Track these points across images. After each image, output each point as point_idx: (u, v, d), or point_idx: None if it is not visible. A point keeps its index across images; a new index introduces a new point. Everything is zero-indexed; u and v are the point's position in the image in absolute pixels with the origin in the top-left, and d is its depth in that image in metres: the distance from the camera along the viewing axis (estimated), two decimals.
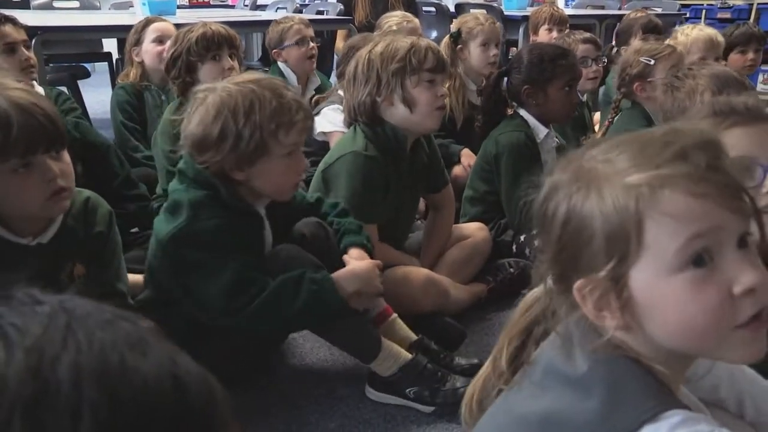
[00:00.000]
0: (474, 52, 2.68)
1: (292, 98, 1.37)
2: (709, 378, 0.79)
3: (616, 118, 2.37)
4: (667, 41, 2.67)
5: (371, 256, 1.55)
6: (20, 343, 0.35)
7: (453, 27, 2.88)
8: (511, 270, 2.00)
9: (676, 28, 2.94)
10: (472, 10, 4.30)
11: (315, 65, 2.94)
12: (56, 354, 0.35)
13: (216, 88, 1.36)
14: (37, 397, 0.34)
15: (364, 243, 1.57)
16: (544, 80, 2.08)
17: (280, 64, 2.85)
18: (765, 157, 1.03)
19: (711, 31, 2.68)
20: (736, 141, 1.04)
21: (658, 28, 3.16)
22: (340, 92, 2.41)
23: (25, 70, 2.03)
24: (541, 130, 2.12)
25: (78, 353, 0.35)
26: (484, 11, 2.91)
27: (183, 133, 1.37)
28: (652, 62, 2.25)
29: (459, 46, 2.74)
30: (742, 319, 0.61)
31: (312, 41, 2.86)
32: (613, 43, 3.35)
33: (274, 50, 2.85)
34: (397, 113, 1.75)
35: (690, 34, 2.64)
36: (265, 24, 3.86)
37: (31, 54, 2.11)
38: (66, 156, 1.25)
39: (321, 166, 1.81)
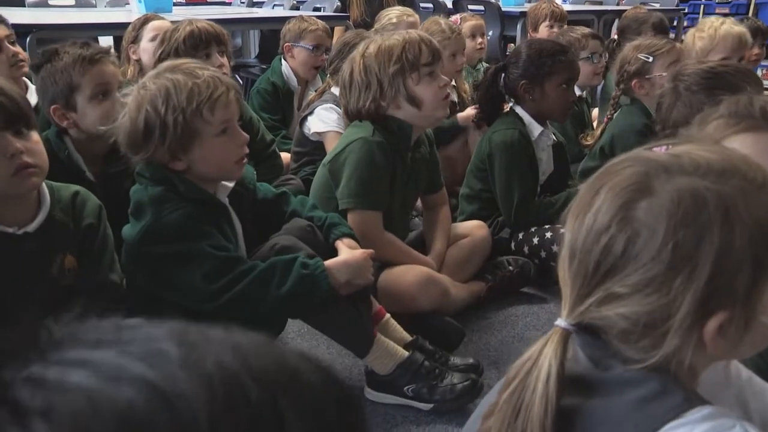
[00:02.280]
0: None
1: (209, 76, 1.37)
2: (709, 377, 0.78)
3: (615, 115, 2.36)
4: (692, 31, 2.59)
5: (360, 246, 1.56)
6: (170, 362, 0.30)
7: None
8: (510, 268, 2.00)
9: (686, 23, 2.88)
10: (469, 7, 4.29)
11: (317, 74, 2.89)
12: (219, 362, 0.30)
13: (134, 87, 1.39)
14: (228, 405, 0.29)
15: (353, 233, 1.58)
16: (541, 76, 2.06)
17: (283, 63, 2.81)
18: None
19: (740, 30, 2.53)
20: (745, 147, 1.01)
21: (666, 29, 3.12)
22: (334, 90, 2.39)
23: (15, 66, 2.01)
24: (535, 128, 2.10)
25: (240, 358, 0.31)
26: (448, 20, 2.85)
27: (118, 139, 1.39)
28: (651, 59, 2.22)
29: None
30: None
31: (326, 52, 2.79)
32: (616, 37, 3.32)
33: (287, 44, 2.79)
34: (404, 113, 1.75)
35: (719, 29, 2.48)
36: (262, 21, 3.86)
37: (19, 49, 2.08)
38: (35, 136, 1.25)
39: (327, 158, 1.80)
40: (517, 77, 2.09)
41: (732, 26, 2.54)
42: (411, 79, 1.72)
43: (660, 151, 0.66)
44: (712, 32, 2.49)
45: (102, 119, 1.61)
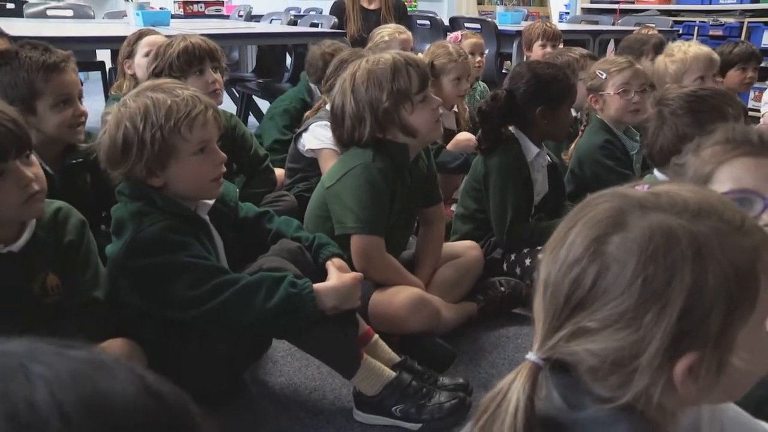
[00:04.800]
0: (447, 87, 2.67)
1: (188, 95, 1.38)
2: (689, 418, 0.78)
3: (582, 135, 2.42)
4: (661, 57, 2.67)
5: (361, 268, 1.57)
6: None
7: (424, 57, 2.76)
8: (502, 289, 1.99)
9: (670, 44, 2.93)
10: (466, 25, 4.32)
11: None
12: (27, 395, 0.31)
13: (115, 105, 1.40)
14: None
15: (341, 253, 1.59)
16: (558, 100, 2.07)
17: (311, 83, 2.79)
18: (767, 190, 1.01)
19: (707, 49, 2.65)
20: (742, 171, 1.03)
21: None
22: (329, 107, 2.39)
23: None
24: (532, 150, 2.11)
25: (50, 388, 0.32)
26: (456, 44, 2.87)
27: (98, 155, 1.41)
28: (604, 76, 2.30)
29: (431, 78, 2.72)
30: None
31: None
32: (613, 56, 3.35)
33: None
34: (400, 140, 1.76)
35: (689, 52, 2.57)
36: (260, 37, 3.87)
37: None
38: (34, 159, 1.26)
39: (326, 182, 1.79)
40: (531, 102, 2.06)
41: (700, 47, 2.64)
42: (404, 110, 1.72)
43: (641, 189, 0.66)
44: (683, 55, 2.57)
45: (61, 125, 1.69)
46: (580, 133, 2.48)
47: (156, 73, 2.02)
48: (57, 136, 1.73)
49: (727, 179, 1.04)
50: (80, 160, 1.79)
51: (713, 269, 0.59)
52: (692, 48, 2.61)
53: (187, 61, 2.05)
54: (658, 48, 3.13)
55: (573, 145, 2.45)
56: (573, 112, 2.51)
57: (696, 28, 5.56)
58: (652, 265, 0.59)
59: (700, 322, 0.59)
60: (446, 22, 4.70)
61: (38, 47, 1.70)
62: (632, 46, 3.22)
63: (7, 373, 0.32)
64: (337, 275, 1.49)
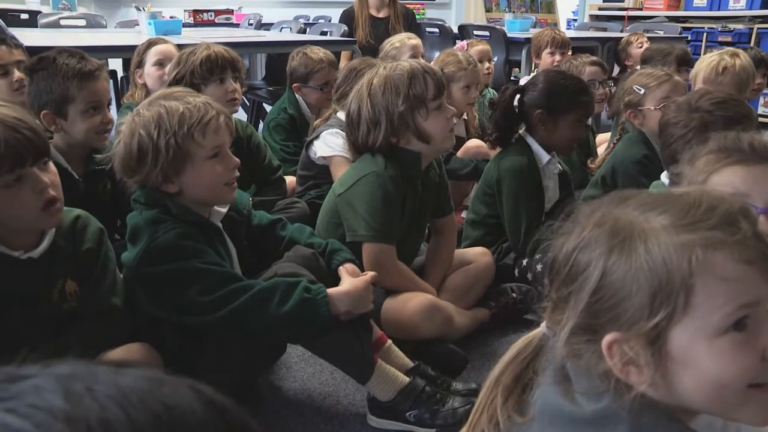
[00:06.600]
0: (456, 95, 2.69)
1: (200, 102, 1.41)
2: (704, 417, 0.78)
3: (618, 144, 2.38)
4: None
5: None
6: (54, 418, 0.30)
7: (433, 65, 2.82)
8: (514, 295, 2.00)
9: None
10: (475, 33, 4.34)
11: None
12: (100, 415, 0.31)
13: (129, 115, 1.43)
14: None
15: (353, 258, 1.61)
16: (559, 110, 2.07)
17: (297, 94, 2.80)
18: (759, 197, 1.04)
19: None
20: (733, 178, 1.06)
21: (689, 61, 3.13)
22: (340, 115, 2.41)
23: (18, 91, 2.05)
24: (543, 156, 2.12)
25: (121, 406, 0.32)
26: (465, 52, 2.89)
27: (114, 165, 1.44)
28: (642, 91, 2.24)
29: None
30: (763, 380, 0.63)
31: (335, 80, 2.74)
32: (638, 67, 3.34)
33: (296, 84, 2.76)
34: (414, 147, 1.77)
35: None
36: (270, 45, 3.90)
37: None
38: (52, 167, 1.28)
39: (338, 189, 1.81)
40: (534, 104, 2.09)
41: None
42: (419, 115, 1.73)
43: None
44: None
45: (89, 131, 1.77)
46: (612, 145, 2.44)
47: (177, 80, 2.06)
48: (84, 141, 1.80)
49: (718, 187, 1.05)
50: (102, 167, 1.83)
51: (630, 259, 0.63)
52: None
53: (209, 69, 2.08)
54: (681, 59, 3.12)
55: (603, 157, 2.43)
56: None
57: (705, 34, 5.55)
58: (582, 251, 0.67)
59: (615, 306, 0.64)
60: (455, 30, 4.72)
61: (75, 55, 1.77)
62: (654, 57, 3.21)
63: (75, 396, 0.32)
64: (349, 280, 1.50)
